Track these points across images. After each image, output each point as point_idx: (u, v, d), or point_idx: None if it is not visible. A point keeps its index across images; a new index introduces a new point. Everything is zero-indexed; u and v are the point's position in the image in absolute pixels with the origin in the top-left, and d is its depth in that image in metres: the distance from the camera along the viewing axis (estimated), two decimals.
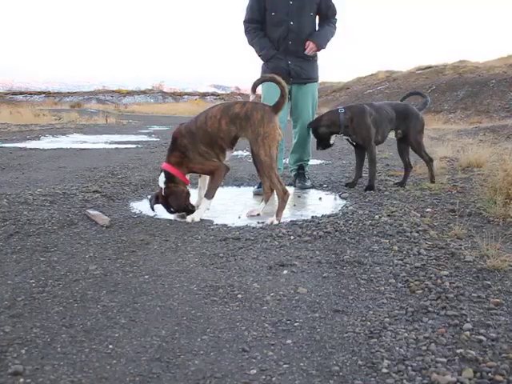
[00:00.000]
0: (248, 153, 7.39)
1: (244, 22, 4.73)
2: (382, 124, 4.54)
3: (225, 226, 3.29)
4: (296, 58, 4.62)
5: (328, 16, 4.72)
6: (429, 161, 4.82)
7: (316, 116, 4.84)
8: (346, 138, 4.65)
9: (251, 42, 4.71)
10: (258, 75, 4.55)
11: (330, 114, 4.61)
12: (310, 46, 4.57)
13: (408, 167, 4.83)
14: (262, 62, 4.75)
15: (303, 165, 4.97)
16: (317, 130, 4.58)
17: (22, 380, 1.48)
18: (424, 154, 4.78)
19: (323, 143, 4.67)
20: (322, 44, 4.66)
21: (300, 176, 4.93)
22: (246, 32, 4.71)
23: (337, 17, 4.78)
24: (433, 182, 4.78)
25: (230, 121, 3.45)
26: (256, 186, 4.62)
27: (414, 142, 4.70)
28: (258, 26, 4.66)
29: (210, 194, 3.53)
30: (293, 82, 4.68)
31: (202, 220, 3.44)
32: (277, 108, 3.47)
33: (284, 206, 3.47)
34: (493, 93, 19.79)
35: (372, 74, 31.90)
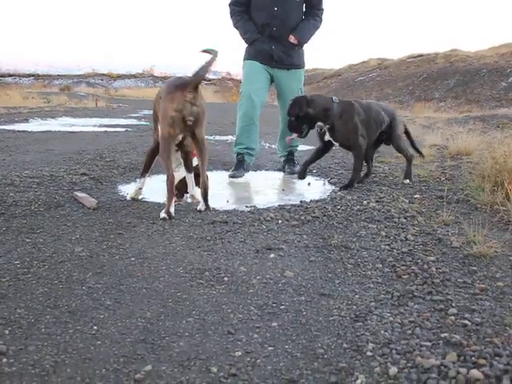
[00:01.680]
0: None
1: (229, 4, 4.70)
2: (371, 126, 4.02)
3: (213, 209, 3.28)
4: (280, 44, 4.58)
5: (313, 4, 4.67)
6: (410, 157, 4.28)
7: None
8: (321, 131, 4.01)
9: (236, 25, 4.69)
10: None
11: (324, 100, 3.95)
12: (292, 40, 4.57)
13: (369, 173, 4.35)
14: (246, 46, 4.72)
15: (292, 150, 4.95)
16: (308, 109, 3.84)
17: (5, 360, 1.47)
18: (406, 152, 4.28)
19: (305, 128, 3.96)
20: (304, 39, 4.65)
21: (289, 161, 4.92)
22: (231, 15, 4.69)
23: (323, 6, 4.73)
24: (406, 178, 4.25)
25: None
26: (231, 170, 4.62)
27: (397, 145, 4.24)
28: (242, 9, 4.63)
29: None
30: (276, 67, 4.66)
31: (189, 203, 3.43)
32: (190, 81, 3.03)
33: (171, 193, 3.08)
34: (483, 82, 19.89)
35: (363, 62, 31.94)
